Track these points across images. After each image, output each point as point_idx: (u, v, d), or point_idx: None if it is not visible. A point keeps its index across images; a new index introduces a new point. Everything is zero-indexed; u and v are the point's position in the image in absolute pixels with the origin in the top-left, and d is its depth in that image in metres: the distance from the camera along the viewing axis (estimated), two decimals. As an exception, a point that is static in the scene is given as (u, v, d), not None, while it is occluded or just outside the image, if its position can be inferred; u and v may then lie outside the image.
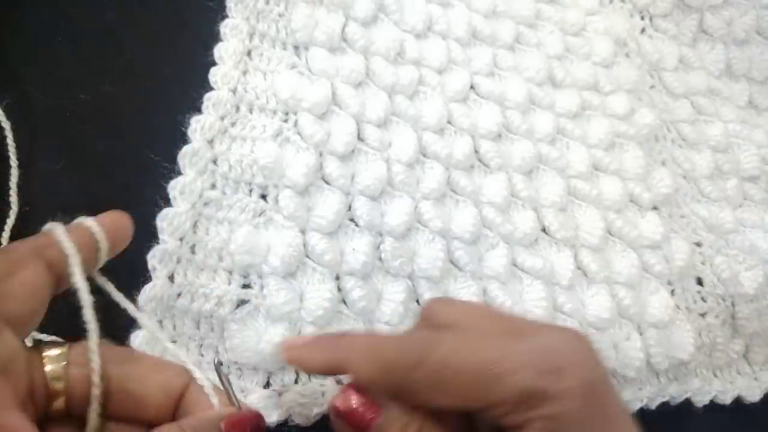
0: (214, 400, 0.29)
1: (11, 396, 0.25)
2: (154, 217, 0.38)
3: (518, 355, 0.28)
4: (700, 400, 0.48)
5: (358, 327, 0.40)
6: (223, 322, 0.38)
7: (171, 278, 0.37)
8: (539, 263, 0.46)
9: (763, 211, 0.56)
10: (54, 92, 0.40)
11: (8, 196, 0.36)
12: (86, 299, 0.28)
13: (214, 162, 0.41)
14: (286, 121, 0.44)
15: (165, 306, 0.36)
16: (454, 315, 0.32)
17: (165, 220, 0.38)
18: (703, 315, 0.51)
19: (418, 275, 0.43)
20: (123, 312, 0.32)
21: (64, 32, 0.42)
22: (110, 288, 0.31)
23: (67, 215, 0.34)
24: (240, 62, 0.44)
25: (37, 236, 0.29)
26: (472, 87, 0.52)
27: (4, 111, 0.38)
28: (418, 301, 0.43)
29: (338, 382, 0.38)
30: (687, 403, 0.48)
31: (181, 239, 0.38)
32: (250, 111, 0.44)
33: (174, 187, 0.39)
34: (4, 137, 0.38)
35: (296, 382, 0.38)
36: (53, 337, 0.31)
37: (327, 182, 0.43)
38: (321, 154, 0.44)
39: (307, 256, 0.41)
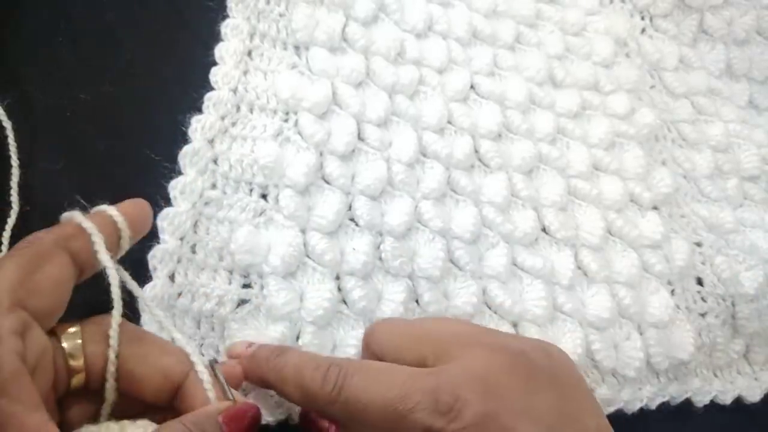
0: (211, 394, 0.30)
1: (36, 396, 0.26)
2: (154, 216, 0.38)
3: (419, 394, 0.30)
4: (700, 400, 0.48)
5: (358, 326, 0.40)
6: (224, 322, 0.38)
7: (171, 278, 0.37)
8: (539, 263, 0.46)
9: (764, 211, 0.56)
10: (54, 92, 0.40)
11: (9, 195, 0.36)
12: (113, 276, 0.30)
13: (215, 162, 0.41)
14: (286, 120, 0.44)
15: (166, 305, 0.37)
16: (383, 343, 0.34)
17: (165, 220, 0.38)
18: (703, 315, 0.50)
19: (418, 275, 0.43)
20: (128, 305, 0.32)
21: (64, 32, 0.42)
22: (126, 276, 0.31)
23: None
24: (240, 62, 0.44)
25: (60, 226, 0.30)
26: (472, 87, 0.52)
27: (4, 111, 0.38)
28: (417, 301, 0.43)
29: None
30: (687, 403, 0.48)
31: (181, 239, 0.38)
32: (251, 111, 0.44)
33: (174, 187, 0.39)
34: (5, 137, 0.38)
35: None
36: None
37: (327, 182, 0.43)
38: (321, 154, 0.44)
39: (308, 256, 0.41)
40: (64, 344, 0.29)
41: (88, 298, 0.31)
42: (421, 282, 0.43)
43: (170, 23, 0.45)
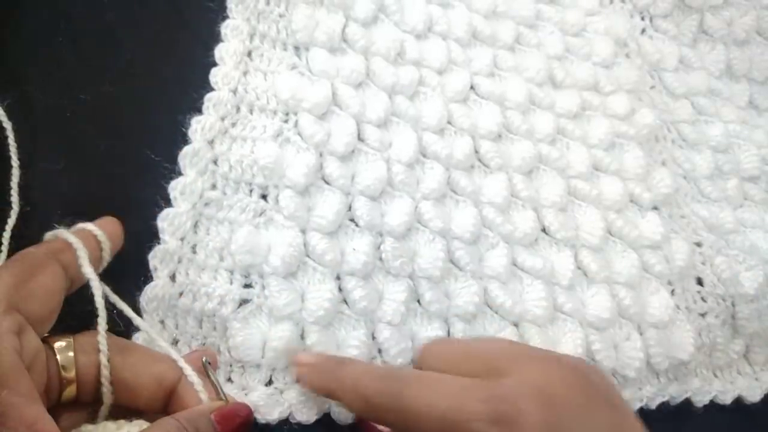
0: (204, 395, 0.31)
1: (33, 389, 0.26)
2: (154, 217, 0.38)
3: (477, 404, 0.30)
4: (700, 400, 0.48)
5: (359, 327, 0.40)
6: (226, 321, 0.38)
7: (172, 278, 0.37)
8: (539, 263, 0.46)
9: (764, 211, 0.56)
10: (54, 92, 0.40)
11: (9, 196, 0.36)
12: (96, 286, 0.31)
13: (215, 162, 0.41)
14: (286, 121, 0.44)
15: (167, 305, 0.37)
16: (435, 362, 0.35)
17: (166, 221, 0.38)
18: (703, 315, 0.51)
19: (418, 275, 0.43)
20: (122, 316, 0.34)
21: (64, 32, 0.42)
22: (107, 289, 0.33)
23: (67, 215, 0.35)
24: (240, 63, 0.45)
25: (49, 241, 0.32)
26: (472, 87, 0.52)
27: (5, 111, 0.38)
28: (419, 301, 0.43)
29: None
30: (687, 403, 0.48)
31: (182, 239, 0.38)
32: (251, 111, 0.44)
33: (174, 188, 0.39)
34: (5, 137, 0.38)
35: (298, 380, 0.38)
36: None
37: (327, 182, 0.43)
38: (321, 155, 0.44)
39: (308, 256, 0.41)
40: (57, 356, 0.30)
41: (77, 311, 0.32)
42: (422, 282, 0.43)
43: (170, 24, 0.45)
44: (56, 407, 0.30)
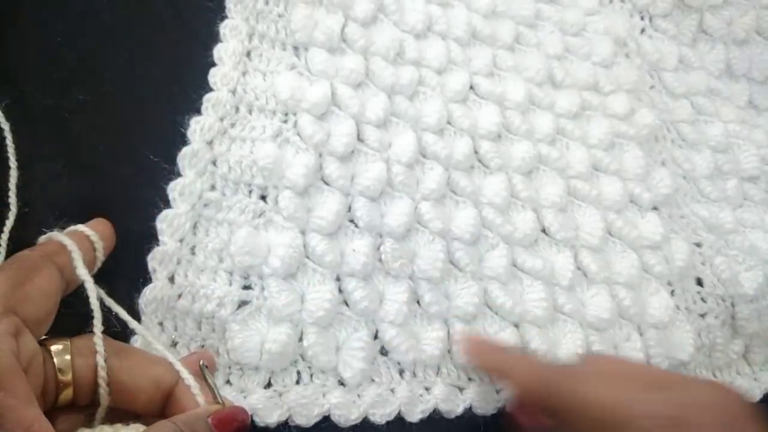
0: (201, 398, 0.31)
1: (30, 392, 0.26)
2: (153, 218, 0.38)
3: (646, 404, 0.32)
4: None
5: (360, 328, 0.40)
6: (225, 323, 0.38)
7: (171, 279, 0.37)
8: (539, 264, 0.46)
9: (763, 212, 0.56)
10: (53, 93, 0.40)
11: (7, 197, 0.36)
12: (91, 288, 0.31)
13: (214, 163, 0.41)
14: (285, 121, 0.44)
15: (166, 307, 0.36)
16: (611, 365, 0.38)
17: (165, 222, 0.38)
18: (702, 315, 0.51)
19: (418, 276, 0.43)
20: (119, 318, 0.34)
21: (63, 32, 0.42)
22: (102, 293, 0.33)
23: (66, 216, 0.34)
24: (239, 63, 0.44)
25: (44, 244, 0.32)
26: (471, 87, 0.52)
27: (3, 112, 0.38)
28: (419, 302, 0.42)
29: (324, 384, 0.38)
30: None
31: (180, 240, 0.38)
32: (250, 112, 0.44)
33: (173, 189, 0.39)
34: (3, 138, 0.37)
35: (297, 382, 0.38)
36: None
37: (327, 183, 0.43)
38: (320, 155, 0.44)
39: (308, 257, 0.41)
40: (54, 359, 0.30)
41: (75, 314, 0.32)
42: (422, 283, 0.43)
43: (169, 24, 0.45)
44: (53, 410, 0.30)
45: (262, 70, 0.45)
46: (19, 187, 0.37)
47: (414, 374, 0.41)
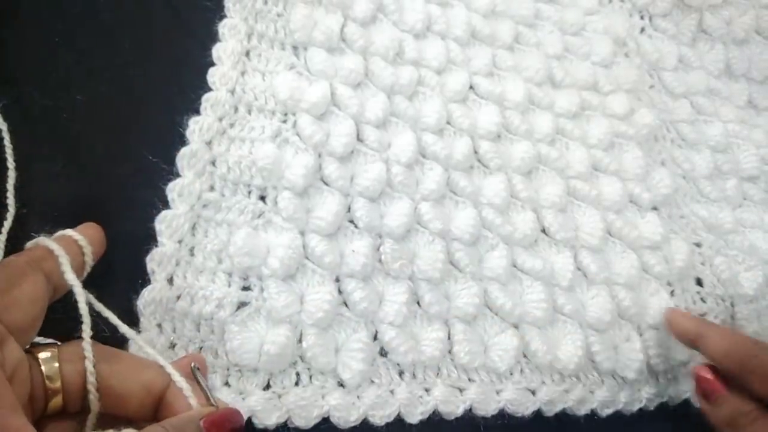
0: (193, 401, 0.30)
1: (15, 400, 0.26)
2: (152, 219, 0.38)
3: None
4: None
5: (360, 329, 0.40)
6: (224, 325, 0.37)
7: (170, 281, 0.37)
8: (539, 264, 0.46)
9: (763, 212, 0.56)
10: (51, 93, 0.40)
11: (5, 198, 0.36)
12: (79, 293, 0.31)
13: (213, 163, 0.41)
14: (285, 122, 0.44)
15: (164, 309, 0.36)
16: None
17: (163, 223, 0.38)
18: (702, 316, 0.50)
19: (418, 277, 0.43)
20: (108, 323, 0.33)
21: (61, 33, 0.42)
22: (91, 297, 0.32)
23: (64, 217, 0.34)
24: (238, 63, 0.44)
25: (30, 249, 0.31)
26: (471, 87, 0.52)
27: (1, 112, 0.38)
28: (418, 303, 0.42)
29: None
30: (686, 404, 0.48)
31: (179, 241, 0.38)
32: (249, 112, 0.43)
33: (172, 189, 0.39)
34: (2, 138, 0.37)
35: (296, 384, 0.38)
36: (40, 338, 0.31)
37: (326, 183, 0.43)
38: (320, 155, 0.44)
39: (307, 258, 0.41)
40: (42, 367, 0.29)
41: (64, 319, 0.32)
42: (422, 284, 0.43)
43: (167, 23, 0.45)
44: (43, 418, 0.29)
45: (261, 69, 0.45)
46: (17, 188, 0.37)
47: (414, 375, 0.41)
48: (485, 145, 0.49)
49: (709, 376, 0.42)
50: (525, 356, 0.44)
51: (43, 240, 0.32)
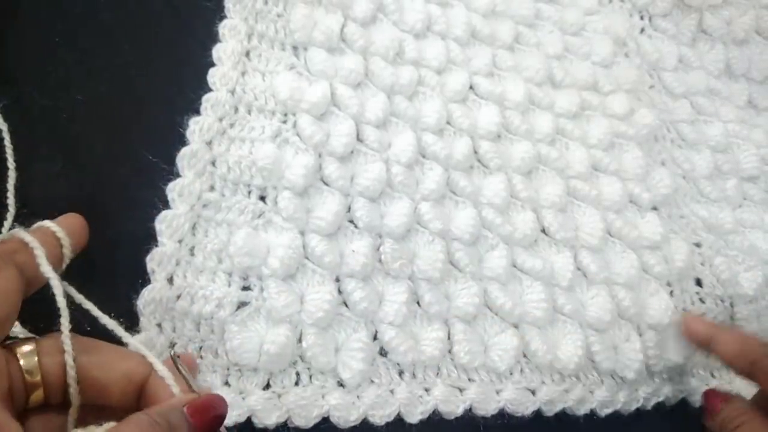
0: (175, 389, 0.30)
1: None
2: (152, 219, 0.38)
3: None
4: (697, 400, 0.48)
5: (360, 329, 0.40)
6: (224, 324, 0.37)
7: (170, 281, 0.37)
8: (539, 264, 0.46)
9: (763, 212, 0.56)
10: (51, 93, 0.40)
11: (6, 198, 0.36)
12: (56, 285, 0.30)
13: (213, 164, 0.41)
14: (285, 122, 0.44)
15: (165, 308, 0.36)
16: None
17: (164, 223, 0.38)
18: (700, 316, 0.51)
19: (418, 276, 0.43)
20: (88, 315, 0.33)
21: (61, 33, 0.42)
22: (71, 289, 0.32)
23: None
24: (238, 63, 0.44)
25: (3, 242, 0.31)
26: (471, 87, 0.52)
27: (1, 113, 0.38)
28: (418, 303, 0.42)
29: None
30: (684, 404, 0.48)
31: (179, 241, 0.38)
32: (249, 112, 0.43)
33: (172, 189, 0.39)
34: (2, 138, 0.37)
35: (296, 384, 0.38)
36: (19, 329, 0.31)
37: (326, 183, 0.43)
38: (320, 155, 0.44)
39: (307, 258, 0.41)
40: (21, 362, 0.29)
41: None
42: (422, 284, 0.43)
43: (168, 24, 0.45)
44: (25, 412, 0.29)
45: (261, 70, 0.45)
46: (17, 188, 0.37)
47: (413, 375, 0.41)
48: (485, 145, 0.49)
49: (711, 394, 0.44)
50: (525, 356, 0.44)
51: (17, 232, 0.31)
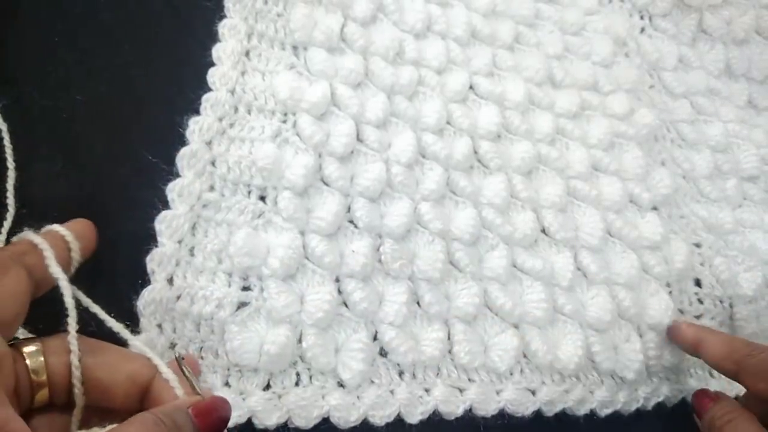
0: (179, 391, 0.31)
1: (2, 392, 0.26)
2: (152, 219, 0.38)
3: None
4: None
5: (360, 329, 0.40)
6: (224, 325, 0.37)
7: (170, 281, 0.37)
8: (539, 264, 0.46)
9: (763, 212, 0.56)
10: (51, 93, 0.40)
11: (5, 198, 0.36)
12: (65, 286, 0.31)
13: (213, 164, 0.41)
14: (285, 122, 0.44)
15: (165, 309, 0.36)
16: None
17: (163, 223, 0.38)
18: (698, 317, 0.51)
19: (418, 277, 0.43)
20: (94, 316, 0.33)
21: (61, 33, 0.42)
22: (78, 291, 0.32)
23: (63, 217, 0.34)
24: (238, 63, 0.44)
25: (14, 244, 0.31)
26: (471, 87, 0.52)
27: (1, 112, 0.38)
28: (418, 303, 0.42)
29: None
30: (683, 404, 0.48)
31: (179, 242, 0.38)
32: (249, 112, 0.43)
33: (172, 189, 0.39)
34: (1, 138, 0.37)
35: (296, 384, 0.38)
36: (24, 332, 0.31)
37: (326, 183, 0.43)
38: (320, 155, 0.44)
39: (307, 258, 0.41)
40: (27, 361, 0.29)
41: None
42: (422, 284, 0.43)
43: (167, 23, 0.45)
44: (30, 411, 0.30)
45: (261, 69, 0.45)
46: (17, 188, 0.36)
47: (414, 375, 0.41)
48: (485, 145, 0.49)
49: (701, 394, 0.44)
50: (525, 356, 0.44)
51: (27, 234, 0.31)
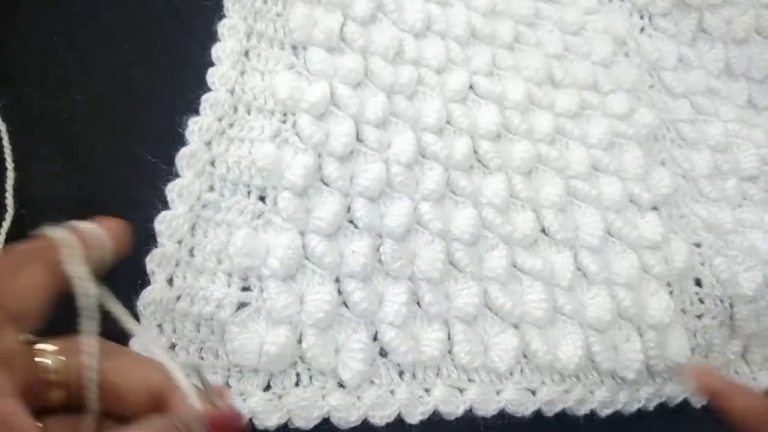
0: (195, 400, 0.30)
1: (10, 385, 0.26)
2: (151, 219, 0.38)
3: None
4: (698, 401, 0.48)
5: (360, 330, 0.40)
6: (224, 325, 0.37)
7: (170, 281, 0.37)
8: (539, 264, 0.46)
9: (763, 211, 0.56)
10: (50, 93, 0.40)
11: (4, 198, 0.36)
12: (80, 285, 0.30)
13: (212, 164, 0.41)
14: (284, 122, 0.44)
15: (164, 309, 0.36)
16: None
17: (163, 223, 0.38)
18: (699, 317, 0.51)
19: (418, 277, 0.43)
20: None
21: (61, 32, 0.42)
22: (103, 291, 0.31)
23: (63, 218, 0.34)
24: (238, 62, 0.44)
25: (38, 238, 0.30)
26: (471, 87, 0.52)
27: (0, 112, 0.38)
28: (418, 303, 0.42)
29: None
30: (684, 404, 0.48)
31: (179, 242, 0.38)
32: (248, 112, 0.43)
33: (172, 190, 0.39)
34: (0, 138, 0.37)
35: (297, 384, 0.38)
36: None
37: (326, 183, 0.43)
38: (320, 155, 0.43)
39: (307, 258, 0.41)
40: (43, 359, 0.29)
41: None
42: (422, 284, 0.43)
43: (167, 23, 0.45)
44: (45, 411, 0.29)
45: (260, 69, 0.45)
46: (16, 188, 0.37)
47: (414, 376, 0.41)
48: (485, 144, 0.49)
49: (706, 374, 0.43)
50: (525, 356, 0.44)
51: (51, 229, 0.31)
